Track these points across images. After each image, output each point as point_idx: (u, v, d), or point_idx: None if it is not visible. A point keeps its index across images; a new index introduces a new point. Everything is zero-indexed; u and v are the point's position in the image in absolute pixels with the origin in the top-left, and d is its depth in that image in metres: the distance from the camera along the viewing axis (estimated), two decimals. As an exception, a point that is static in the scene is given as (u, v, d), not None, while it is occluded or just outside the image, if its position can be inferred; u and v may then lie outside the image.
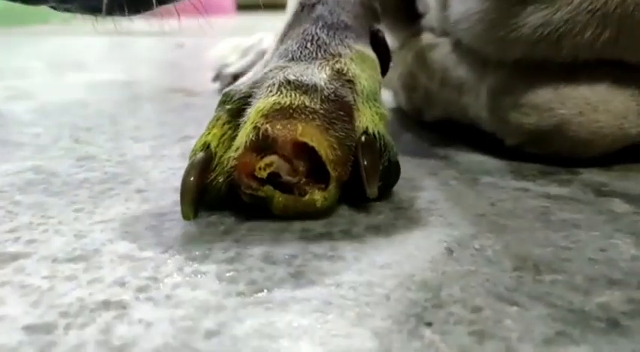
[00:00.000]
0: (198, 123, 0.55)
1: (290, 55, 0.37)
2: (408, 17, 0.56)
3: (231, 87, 0.37)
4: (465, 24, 0.43)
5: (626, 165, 0.41)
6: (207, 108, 0.63)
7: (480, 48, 0.43)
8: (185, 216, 0.30)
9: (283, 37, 0.40)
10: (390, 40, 0.58)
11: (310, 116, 0.32)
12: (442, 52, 0.49)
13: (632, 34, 0.38)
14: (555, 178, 0.39)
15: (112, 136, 0.50)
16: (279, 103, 0.32)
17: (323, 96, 0.33)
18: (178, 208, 0.32)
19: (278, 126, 0.31)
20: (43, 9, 0.26)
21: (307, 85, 0.33)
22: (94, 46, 1.38)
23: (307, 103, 0.32)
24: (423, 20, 0.54)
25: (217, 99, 0.67)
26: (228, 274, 0.26)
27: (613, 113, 0.39)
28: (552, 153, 0.41)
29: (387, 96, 0.55)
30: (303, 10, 0.41)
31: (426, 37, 0.52)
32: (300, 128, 0.31)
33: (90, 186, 0.37)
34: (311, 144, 0.30)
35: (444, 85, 0.48)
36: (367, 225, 0.31)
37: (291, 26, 0.41)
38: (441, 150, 0.46)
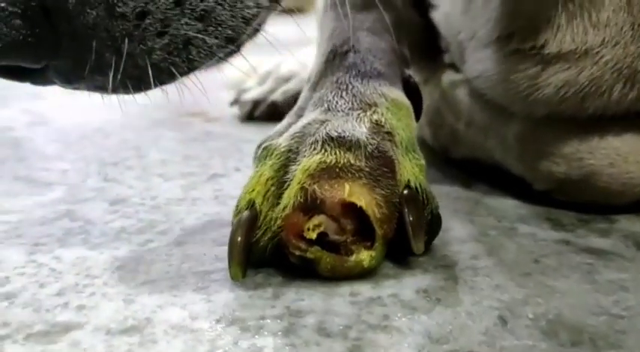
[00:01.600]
0: (222, 156, 0.55)
1: (326, 105, 0.37)
2: (432, 52, 0.56)
3: (269, 140, 0.36)
4: (484, 83, 0.43)
5: (661, 212, 0.41)
6: (228, 137, 0.63)
7: (503, 104, 0.43)
8: (234, 277, 0.30)
9: (315, 85, 0.40)
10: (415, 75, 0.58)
11: (356, 174, 0.31)
12: (467, 91, 0.49)
13: None
14: (593, 228, 0.39)
15: (140, 173, 0.50)
16: (324, 162, 0.32)
17: (367, 153, 0.33)
18: (221, 265, 0.33)
19: (325, 187, 0.31)
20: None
21: (350, 141, 0.33)
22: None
23: (352, 161, 0.32)
24: (446, 56, 0.53)
25: (237, 127, 0.67)
26: (286, 349, 0.25)
27: None
28: (583, 201, 0.41)
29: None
30: (335, 58, 0.41)
31: (449, 75, 0.51)
32: (347, 188, 0.31)
33: (128, 237, 0.37)
34: (359, 204, 0.30)
35: (470, 126, 0.48)
36: (416, 288, 0.31)
37: (323, 74, 0.40)
38: (473, 192, 0.45)
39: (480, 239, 0.37)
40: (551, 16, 0.37)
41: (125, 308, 0.29)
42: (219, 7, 0.26)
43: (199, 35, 0.25)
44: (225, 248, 0.34)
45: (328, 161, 0.32)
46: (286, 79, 0.74)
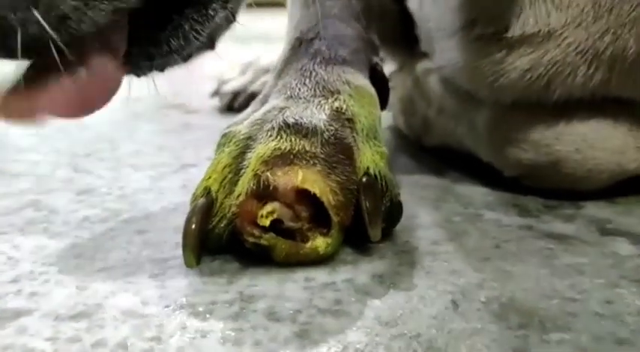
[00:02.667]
0: (196, 147, 0.55)
1: (288, 92, 0.37)
2: (407, 41, 0.56)
3: (230, 127, 0.36)
4: (452, 71, 0.43)
5: (628, 198, 0.41)
6: (206, 129, 0.63)
7: (471, 90, 0.43)
8: (188, 264, 0.30)
9: (280, 73, 0.40)
10: (389, 63, 0.58)
11: (311, 161, 0.31)
12: (438, 80, 0.49)
13: (626, 73, 0.37)
14: (559, 213, 0.38)
15: (112, 164, 0.50)
16: (279, 149, 0.32)
17: (323, 140, 0.33)
18: (180, 252, 0.32)
19: (279, 173, 0.30)
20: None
21: (307, 127, 0.33)
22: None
23: (307, 148, 0.32)
24: (421, 44, 0.53)
25: (216, 118, 0.67)
26: (232, 334, 0.25)
27: (610, 150, 0.39)
28: (550, 187, 0.41)
29: (387, 118, 0.54)
30: (301, 45, 0.41)
31: (423, 63, 0.51)
32: (301, 175, 0.30)
33: (90, 225, 0.37)
34: (312, 190, 0.30)
35: (441, 114, 0.48)
36: (371, 273, 0.31)
37: (288, 61, 0.40)
38: (443, 179, 0.45)
39: (443, 225, 0.37)
40: None
41: (77, 295, 0.29)
42: None
43: None
44: (185, 235, 0.34)
45: (283, 147, 0.32)
46: (266, 70, 0.74)
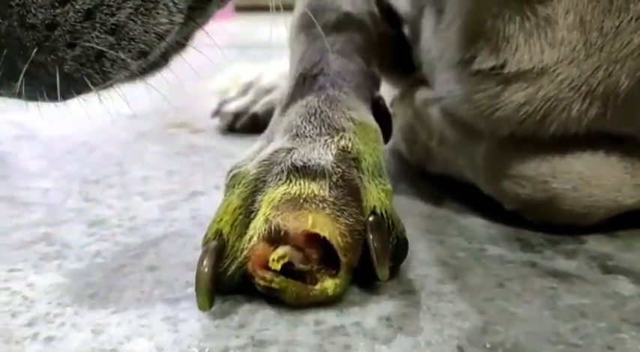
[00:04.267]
0: (204, 172, 0.56)
1: (294, 130, 0.38)
2: (406, 68, 0.57)
3: (239, 167, 0.37)
4: (451, 103, 0.44)
5: (629, 231, 0.42)
6: (211, 151, 0.63)
7: (469, 123, 0.44)
8: (201, 307, 0.31)
9: (286, 108, 0.41)
10: (390, 92, 0.59)
11: (320, 205, 0.32)
12: (438, 110, 0.49)
13: (620, 108, 0.38)
14: (561, 249, 0.39)
15: (121, 192, 0.51)
16: (289, 193, 0.32)
17: (331, 183, 0.33)
18: (191, 291, 0.33)
19: (289, 218, 0.31)
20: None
21: (315, 171, 0.34)
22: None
23: (316, 192, 0.33)
24: (421, 71, 0.54)
25: (220, 139, 0.68)
26: (245, 383, 0.26)
27: (606, 187, 0.40)
28: (549, 222, 0.42)
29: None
30: (305, 81, 0.41)
31: (423, 92, 0.52)
32: (311, 219, 0.31)
33: (102, 262, 0.38)
34: (322, 234, 0.31)
35: (442, 144, 0.49)
36: (379, 316, 0.31)
37: (292, 97, 0.41)
38: (445, 210, 0.46)
39: (448, 261, 0.38)
40: (510, 36, 0.38)
41: (93, 340, 0.29)
42: (132, 22, 0.27)
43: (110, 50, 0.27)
44: (197, 273, 0.35)
45: (292, 192, 0.32)
46: (267, 91, 0.74)
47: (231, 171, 0.37)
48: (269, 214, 0.32)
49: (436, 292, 0.34)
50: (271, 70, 0.78)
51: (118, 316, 0.31)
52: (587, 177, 0.40)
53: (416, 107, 0.52)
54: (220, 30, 2.11)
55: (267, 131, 0.41)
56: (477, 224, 0.44)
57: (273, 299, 0.32)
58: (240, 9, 2.63)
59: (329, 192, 0.33)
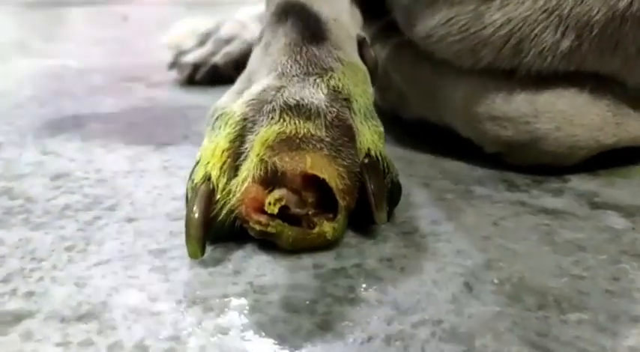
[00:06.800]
0: (168, 123, 0.53)
1: (280, 69, 0.36)
2: (377, 11, 0.55)
3: (222, 107, 0.35)
4: (435, 41, 0.42)
5: (609, 170, 0.42)
6: (172, 104, 0.60)
7: (452, 59, 0.42)
8: (192, 255, 0.29)
9: (268, 47, 0.38)
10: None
11: (317, 145, 0.30)
12: (412, 53, 0.48)
13: (595, 42, 0.36)
14: (547, 188, 0.39)
15: (81, 144, 0.47)
16: (284, 133, 0.30)
17: (327, 122, 0.32)
18: (177, 241, 0.31)
19: (286, 159, 0.30)
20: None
21: (310, 109, 0.32)
22: (29, 20, 1.30)
23: (313, 131, 0.31)
24: (390, 16, 0.52)
25: (180, 92, 0.65)
26: (253, 329, 0.25)
27: (589, 126, 0.39)
28: (530, 163, 0.41)
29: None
30: (287, 17, 0.39)
31: (395, 36, 0.50)
32: (309, 160, 0.30)
33: (74, 214, 0.35)
34: (322, 176, 0.29)
35: (417, 88, 0.47)
36: (379, 257, 0.30)
37: (274, 35, 0.39)
38: (427, 155, 0.45)
39: (437, 203, 0.37)
40: None
41: (78, 293, 0.27)
42: None
43: None
44: (179, 223, 0.33)
45: (288, 131, 0.30)
46: (226, 41, 0.71)
47: (213, 113, 0.35)
48: (263, 154, 0.30)
49: (432, 233, 0.33)
50: (229, 22, 0.75)
51: (101, 268, 0.29)
52: (570, 116, 0.39)
53: (388, 52, 0.51)
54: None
55: (246, 72, 0.38)
56: (459, 166, 0.43)
57: (266, 244, 0.31)
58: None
59: (325, 131, 0.31)
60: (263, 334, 0.24)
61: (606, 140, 0.40)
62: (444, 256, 0.30)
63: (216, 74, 0.67)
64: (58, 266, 0.29)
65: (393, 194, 0.33)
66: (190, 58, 0.69)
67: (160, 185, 0.39)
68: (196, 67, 0.68)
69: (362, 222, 0.33)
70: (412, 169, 0.42)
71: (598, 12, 0.35)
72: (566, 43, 0.37)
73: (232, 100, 0.36)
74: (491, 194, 0.38)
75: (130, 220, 0.34)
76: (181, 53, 0.72)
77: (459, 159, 0.44)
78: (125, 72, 0.74)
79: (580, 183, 0.40)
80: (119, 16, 1.30)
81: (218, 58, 0.68)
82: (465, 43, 0.40)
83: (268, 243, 0.31)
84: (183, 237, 0.31)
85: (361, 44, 0.40)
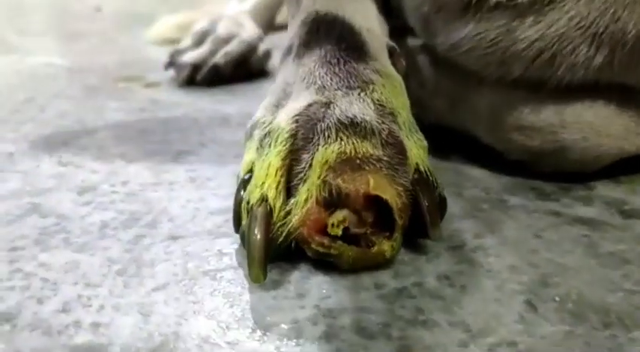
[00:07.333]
0: (179, 130, 0.52)
1: (319, 82, 0.35)
2: (386, 14, 0.55)
3: (263, 121, 0.34)
4: (462, 49, 0.42)
5: (629, 177, 0.43)
6: (179, 107, 0.59)
7: (477, 69, 0.43)
8: (256, 280, 0.29)
9: (301, 58, 0.38)
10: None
11: (377, 165, 0.30)
12: (430, 59, 0.48)
13: (627, 57, 0.38)
14: (575, 195, 0.40)
15: (97, 154, 0.46)
16: (344, 153, 0.30)
17: (383, 141, 0.32)
18: (228, 261, 0.31)
19: (348, 180, 0.29)
20: None
21: (365, 127, 0.32)
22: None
23: (371, 151, 0.31)
24: (399, 19, 0.52)
25: (182, 93, 0.63)
26: (334, 357, 0.25)
27: (615, 136, 0.40)
28: (554, 170, 0.42)
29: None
30: (320, 28, 0.38)
31: (410, 40, 0.50)
32: (372, 181, 0.29)
33: (114, 233, 0.34)
34: (384, 197, 0.29)
35: (436, 94, 0.48)
36: (437, 275, 0.31)
37: (307, 45, 0.38)
38: (450, 162, 0.46)
39: (476, 214, 0.37)
40: None
41: (145, 322, 0.27)
42: None
43: None
44: (224, 240, 0.33)
45: (347, 151, 0.30)
46: (226, 40, 0.70)
47: (253, 127, 0.34)
48: (325, 176, 0.29)
49: (480, 247, 0.33)
50: (225, 20, 0.74)
51: (161, 294, 0.29)
52: (597, 127, 0.40)
53: (405, 53, 0.50)
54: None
55: (278, 82, 0.38)
56: (484, 174, 0.43)
57: (320, 263, 0.31)
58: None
59: (382, 150, 0.31)
60: (346, 363, 0.24)
61: (630, 148, 0.41)
62: (499, 272, 0.31)
63: (217, 74, 0.66)
64: (114, 292, 0.29)
65: (441, 208, 0.34)
66: (189, 58, 0.68)
67: (192, 198, 0.39)
68: (196, 67, 0.67)
69: (410, 237, 0.33)
70: (441, 177, 0.42)
71: (632, 29, 0.36)
72: (599, 59, 0.38)
73: (271, 114, 0.35)
74: (525, 204, 0.39)
75: (174, 238, 0.34)
76: (178, 53, 0.70)
77: (482, 166, 0.44)
78: (117, 71, 0.73)
79: (605, 190, 0.41)
80: (91, 7, 1.26)
81: (218, 58, 0.67)
82: (495, 57, 0.40)
83: (322, 262, 0.31)
84: (233, 256, 0.30)
85: (392, 53, 0.40)
